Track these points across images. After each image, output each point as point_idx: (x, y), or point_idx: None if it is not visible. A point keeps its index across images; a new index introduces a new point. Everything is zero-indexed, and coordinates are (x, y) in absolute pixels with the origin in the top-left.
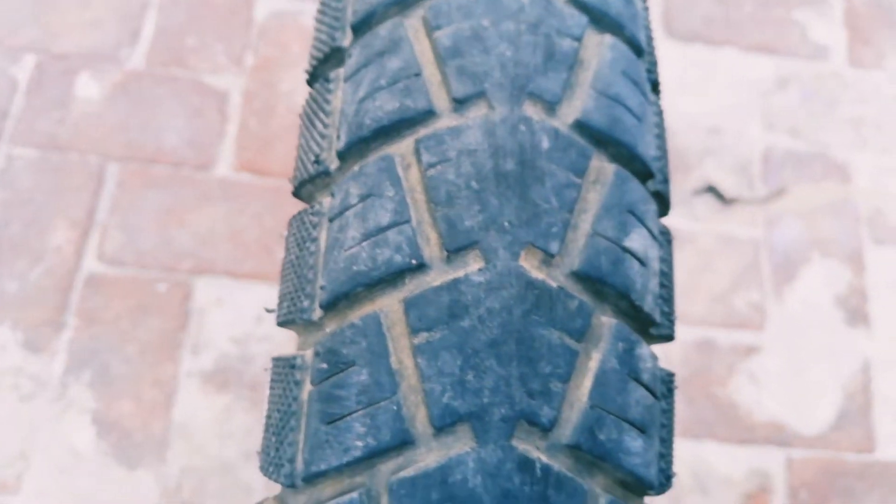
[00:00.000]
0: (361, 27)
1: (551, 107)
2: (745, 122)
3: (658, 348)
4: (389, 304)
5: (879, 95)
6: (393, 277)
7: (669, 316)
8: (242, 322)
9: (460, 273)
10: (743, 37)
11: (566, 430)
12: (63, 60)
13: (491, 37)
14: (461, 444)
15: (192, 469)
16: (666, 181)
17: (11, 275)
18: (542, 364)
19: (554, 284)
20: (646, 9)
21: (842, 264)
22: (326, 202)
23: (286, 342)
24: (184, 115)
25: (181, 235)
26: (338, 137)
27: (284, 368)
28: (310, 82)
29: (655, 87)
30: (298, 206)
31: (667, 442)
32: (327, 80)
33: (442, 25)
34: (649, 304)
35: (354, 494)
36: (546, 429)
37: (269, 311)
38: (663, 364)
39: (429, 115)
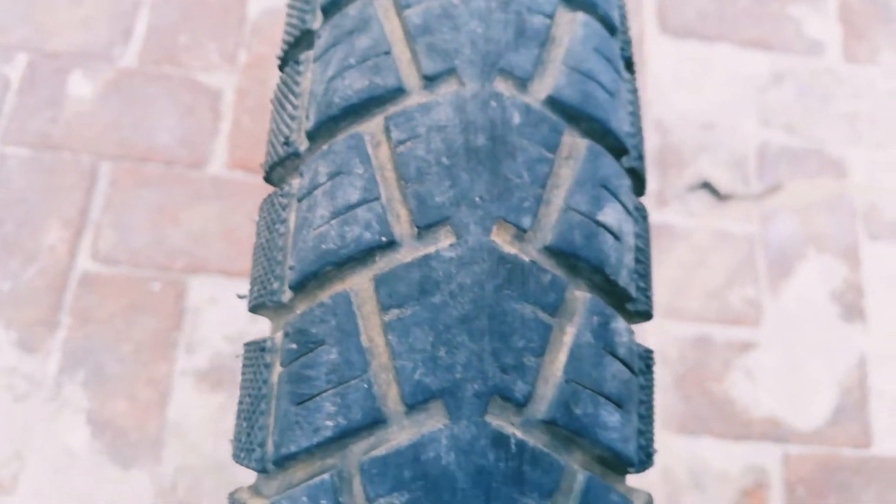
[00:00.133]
0: (331, 9)
1: (523, 83)
2: (739, 117)
3: (654, 345)
4: (360, 283)
5: (874, 90)
6: (363, 255)
7: (646, 292)
8: (236, 320)
9: (431, 249)
10: (737, 32)
11: (541, 406)
12: (55, 59)
13: (461, 14)
14: (434, 422)
15: (186, 468)
16: (641, 158)
17: (5, 274)
18: (516, 339)
19: (526, 259)
20: None
21: (837, 260)
22: (296, 183)
23: None
24: (177, 113)
25: (174, 234)
26: (307, 118)
27: (255, 352)
28: (281, 67)
29: (629, 64)
30: None
31: (646, 419)
32: (297, 63)
33: (412, 4)
34: (624, 279)
35: (326, 476)
36: (520, 404)
37: (240, 297)
38: (659, 359)
39: (398, 92)
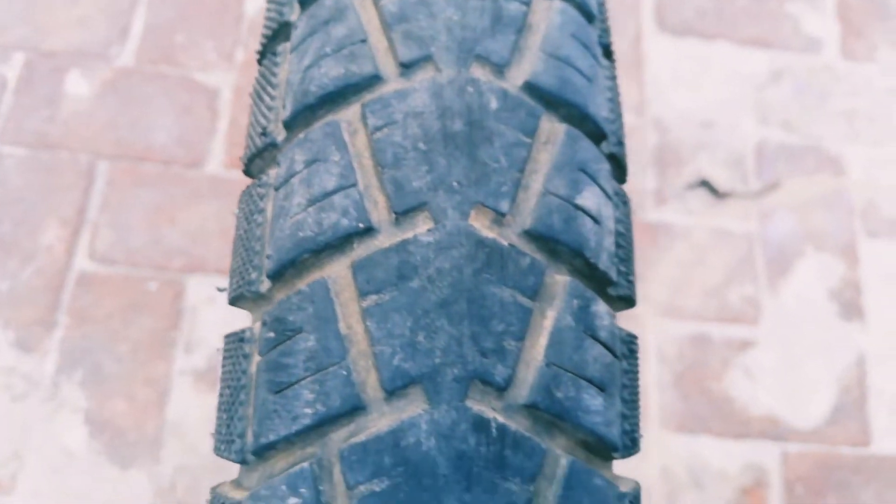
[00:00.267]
0: (308, 0)
1: (499, 69)
2: (738, 115)
3: (653, 344)
4: (338, 270)
5: (872, 88)
6: (340, 242)
7: (628, 276)
8: (235, 319)
9: (409, 234)
10: (736, 30)
11: (522, 390)
12: (52, 58)
13: (437, 2)
14: (413, 407)
15: (185, 468)
16: (620, 144)
17: (2, 274)
18: (495, 322)
19: (505, 243)
20: None
21: (836, 257)
22: (273, 173)
23: None
24: (174, 112)
25: (172, 233)
26: (283, 107)
27: (234, 343)
28: (259, 60)
29: (608, 52)
30: None
31: (630, 404)
32: (274, 55)
33: None
34: (605, 262)
35: (305, 464)
36: (501, 388)
37: (220, 290)
38: (657, 357)
39: (375, 79)
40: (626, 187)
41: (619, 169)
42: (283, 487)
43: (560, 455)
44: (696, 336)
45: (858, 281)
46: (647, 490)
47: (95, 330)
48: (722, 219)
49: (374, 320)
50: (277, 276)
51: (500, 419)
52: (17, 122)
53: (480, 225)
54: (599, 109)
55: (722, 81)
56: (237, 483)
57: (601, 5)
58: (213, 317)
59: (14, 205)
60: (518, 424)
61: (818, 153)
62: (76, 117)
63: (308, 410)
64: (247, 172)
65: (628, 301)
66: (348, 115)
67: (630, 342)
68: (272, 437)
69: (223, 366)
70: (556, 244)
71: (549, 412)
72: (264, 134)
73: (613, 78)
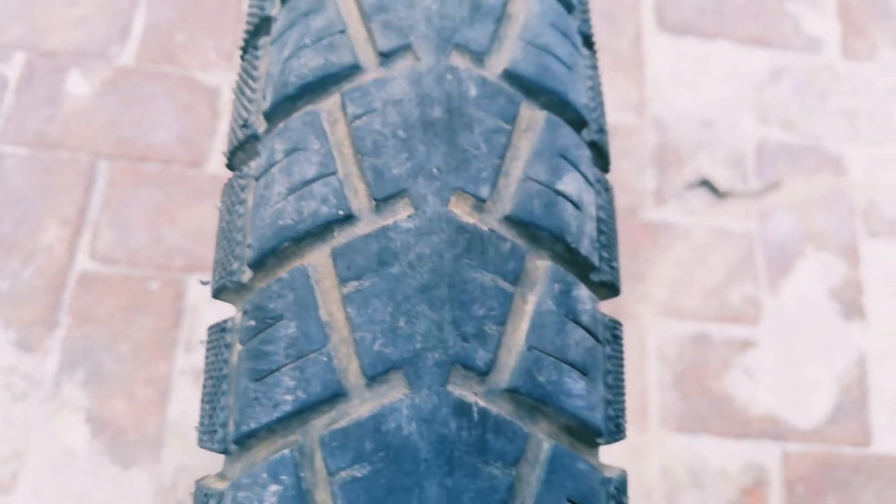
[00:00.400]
0: None
1: (479, 57)
2: (738, 115)
3: (653, 344)
4: (318, 258)
5: (872, 87)
6: (321, 230)
7: (611, 262)
8: None
9: (389, 221)
10: (736, 29)
11: (504, 374)
12: (53, 58)
13: None
14: (395, 393)
15: (186, 467)
16: (602, 131)
17: (3, 274)
18: (476, 307)
19: (485, 228)
20: None
21: (836, 257)
22: (254, 164)
23: None
24: (174, 111)
25: (173, 233)
26: (264, 98)
27: (216, 334)
28: (242, 56)
29: (588, 41)
30: None
31: (615, 389)
32: (256, 49)
33: None
34: (586, 247)
35: (286, 451)
36: (483, 373)
37: (203, 283)
38: (658, 357)
39: (354, 69)
40: (627, 186)
41: (601, 157)
42: (264, 475)
43: (543, 439)
44: (696, 336)
45: (859, 281)
46: (647, 490)
47: (96, 329)
48: (722, 218)
49: (354, 306)
50: (258, 264)
51: (482, 403)
52: (18, 121)
53: (461, 211)
54: (579, 97)
55: (722, 81)
56: (221, 475)
57: None
58: (214, 316)
59: (15, 204)
60: (500, 409)
61: (818, 153)
62: (77, 117)
63: (289, 397)
64: (230, 166)
65: (612, 288)
66: (328, 104)
67: (613, 327)
68: (253, 425)
69: (206, 357)
70: (536, 229)
71: (531, 396)
72: (245, 126)
73: (594, 67)
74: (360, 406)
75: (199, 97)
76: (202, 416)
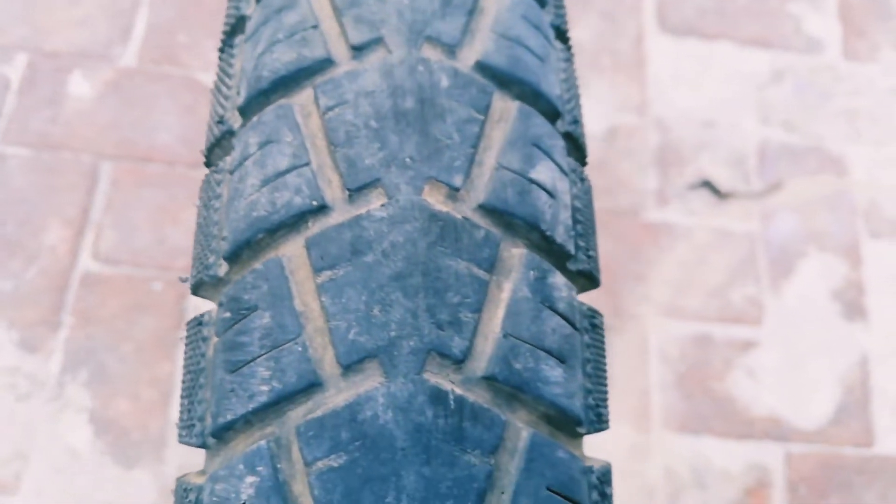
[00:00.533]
0: None
1: (450, 49)
2: (739, 115)
3: (655, 344)
4: (292, 249)
5: (874, 88)
6: (294, 220)
7: (588, 252)
8: None
9: (362, 210)
10: (737, 30)
11: (480, 362)
12: (55, 59)
13: None
14: (370, 381)
15: (189, 468)
16: (576, 123)
17: (6, 274)
18: (451, 295)
19: (458, 216)
20: None
21: (838, 258)
22: (229, 159)
23: None
24: (176, 112)
25: (175, 233)
26: (238, 94)
27: (194, 328)
28: (220, 56)
29: (562, 35)
30: None
31: (595, 378)
32: (231, 47)
33: None
34: (561, 235)
35: (262, 442)
36: (459, 360)
37: (183, 279)
38: (660, 358)
39: (327, 63)
40: (628, 187)
41: (576, 149)
42: (241, 466)
43: (521, 427)
44: (698, 336)
45: (861, 281)
46: (650, 490)
47: (100, 330)
48: (724, 219)
49: (328, 295)
50: (233, 257)
51: (458, 391)
52: (21, 122)
53: (434, 200)
54: (552, 88)
55: (723, 81)
56: (202, 472)
57: None
58: None
59: (17, 205)
60: (477, 397)
61: (820, 153)
62: (79, 118)
63: (264, 388)
64: (207, 164)
65: (590, 278)
66: (301, 98)
67: (592, 316)
68: (230, 417)
69: (185, 352)
70: (511, 217)
71: (508, 384)
72: (221, 122)
73: (569, 60)
74: (336, 395)
75: (201, 97)
76: (181, 411)
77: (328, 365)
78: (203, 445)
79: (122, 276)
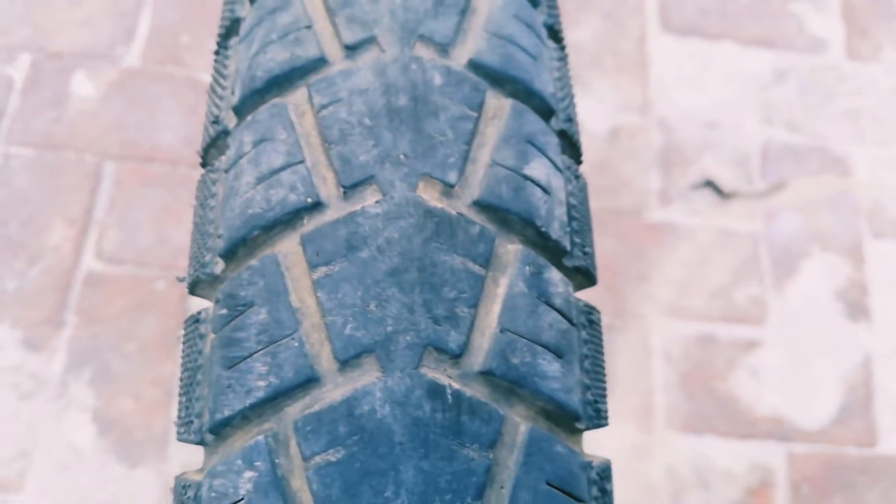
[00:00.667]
0: None
1: (443, 48)
2: (742, 115)
3: (658, 344)
4: (288, 246)
5: (877, 88)
6: (290, 218)
7: (583, 248)
8: None
9: (357, 207)
10: (740, 30)
11: (478, 357)
12: (58, 59)
13: None
14: (367, 376)
15: (192, 467)
16: (570, 121)
17: (10, 274)
18: (447, 290)
19: (453, 212)
20: None
21: (841, 258)
22: (224, 158)
23: None
24: (180, 112)
25: (179, 233)
26: (233, 94)
27: (191, 326)
28: (215, 58)
29: (556, 35)
30: None
31: (593, 374)
32: (226, 49)
33: None
34: (556, 231)
35: (260, 438)
36: (456, 355)
37: (180, 279)
38: (663, 357)
39: (320, 62)
40: (632, 187)
41: (571, 147)
42: (239, 462)
43: (519, 422)
44: (701, 336)
45: (864, 281)
46: (652, 490)
47: (103, 329)
48: (727, 219)
49: (324, 291)
50: (229, 254)
51: (456, 386)
52: (24, 122)
53: (429, 196)
54: (545, 86)
55: (726, 81)
56: (201, 469)
57: None
58: None
59: (21, 205)
60: (475, 391)
61: (823, 153)
62: (83, 118)
63: (261, 383)
64: (203, 163)
65: (587, 275)
66: (295, 97)
67: (589, 312)
68: (227, 413)
69: (182, 350)
70: (505, 213)
71: (506, 378)
72: (216, 122)
73: (562, 59)
74: (334, 390)
75: (204, 98)
76: (179, 409)
77: (325, 360)
78: (201, 442)
79: (125, 275)
